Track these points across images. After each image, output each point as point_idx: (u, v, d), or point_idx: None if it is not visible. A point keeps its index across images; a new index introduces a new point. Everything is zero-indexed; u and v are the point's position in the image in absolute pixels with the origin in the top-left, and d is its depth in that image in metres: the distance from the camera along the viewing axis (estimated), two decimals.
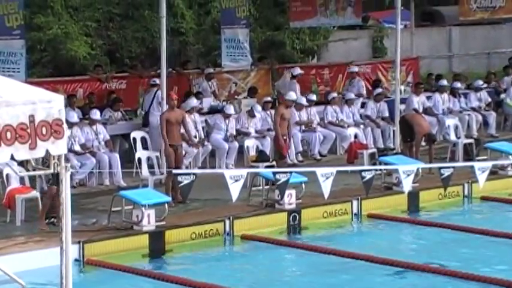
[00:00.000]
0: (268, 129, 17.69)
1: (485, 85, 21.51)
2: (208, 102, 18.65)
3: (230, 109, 17.15)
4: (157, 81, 16.74)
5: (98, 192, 15.17)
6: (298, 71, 20.06)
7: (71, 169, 8.04)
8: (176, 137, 14.62)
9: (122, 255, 12.23)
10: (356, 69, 20.54)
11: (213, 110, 18.13)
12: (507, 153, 16.28)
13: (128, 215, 12.89)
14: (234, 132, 17.09)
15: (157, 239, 12.58)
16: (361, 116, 19.16)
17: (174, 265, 12.30)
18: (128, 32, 21.04)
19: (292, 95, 16.75)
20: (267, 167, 15.34)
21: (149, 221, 12.64)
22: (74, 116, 15.47)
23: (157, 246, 12.55)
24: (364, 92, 20.06)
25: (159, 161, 15.34)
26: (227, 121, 17.06)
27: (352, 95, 19.45)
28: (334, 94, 19.48)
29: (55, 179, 12.42)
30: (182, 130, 14.92)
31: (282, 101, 17.69)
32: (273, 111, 18.07)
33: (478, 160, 16.20)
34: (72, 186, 12.59)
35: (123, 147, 17.05)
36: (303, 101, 17.91)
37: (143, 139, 16.22)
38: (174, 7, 20.87)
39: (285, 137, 16.18)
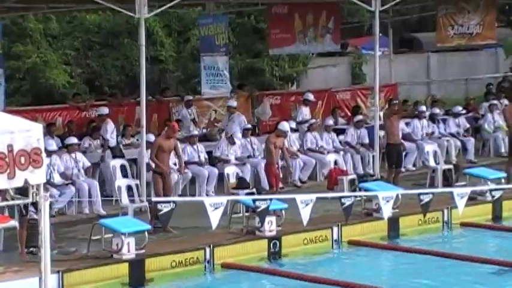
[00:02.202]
0: (249, 156, 17.73)
1: (464, 111, 21.66)
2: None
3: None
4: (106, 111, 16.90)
5: (78, 221, 15.10)
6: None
7: (50, 198, 8.01)
8: (166, 164, 14.63)
9: (101, 284, 12.15)
10: (311, 97, 20.45)
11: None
12: (486, 179, 16.34)
13: (108, 243, 12.82)
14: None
15: (137, 267, 12.51)
16: (340, 142, 19.22)
17: None
18: (107, 60, 21.07)
19: (285, 126, 16.55)
20: (247, 194, 15.33)
21: (129, 249, 12.58)
22: (53, 145, 15.42)
23: (137, 275, 12.47)
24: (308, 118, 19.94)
25: (139, 189, 15.30)
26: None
27: (331, 122, 19.50)
28: (313, 120, 19.54)
29: (27, 209, 12.38)
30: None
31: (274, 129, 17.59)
32: (253, 138, 18.14)
33: (457, 186, 16.25)
34: (52, 215, 12.54)
35: (102, 176, 16.98)
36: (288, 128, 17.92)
37: (123, 167, 16.18)
38: (153, 35, 20.94)
39: (277, 166, 16.22)
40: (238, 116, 18.69)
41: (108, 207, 15.48)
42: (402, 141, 18.03)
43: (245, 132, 18.09)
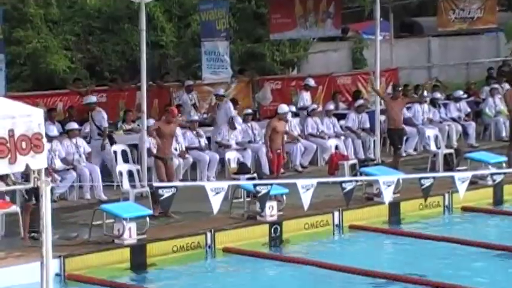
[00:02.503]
0: (249, 141, 17.73)
1: (465, 95, 21.64)
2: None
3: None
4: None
5: (79, 206, 15.12)
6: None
7: (51, 183, 8.01)
8: (167, 150, 14.63)
9: (103, 269, 12.18)
10: (312, 82, 20.43)
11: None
12: (487, 163, 16.36)
13: (109, 228, 12.84)
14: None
15: (138, 252, 12.54)
16: (341, 127, 19.21)
17: (155, 278, 12.27)
18: (107, 45, 21.00)
19: (283, 108, 16.61)
20: (248, 179, 15.34)
21: (130, 234, 12.60)
22: (54, 130, 15.42)
23: (138, 260, 12.50)
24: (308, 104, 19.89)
25: (140, 174, 15.31)
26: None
27: (331, 107, 19.49)
28: (315, 106, 19.52)
29: (30, 195, 12.40)
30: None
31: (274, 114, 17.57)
32: (254, 124, 18.13)
33: (458, 170, 16.25)
34: (53, 201, 12.56)
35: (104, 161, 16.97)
36: (289, 113, 17.90)
37: (124, 152, 16.18)
38: (153, 20, 20.86)
39: (279, 151, 16.24)
40: (225, 103, 18.57)
41: (109, 192, 15.50)
42: (403, 126, 18.03)
43: (246, 117, 18.09)
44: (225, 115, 18.27)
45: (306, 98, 20.00)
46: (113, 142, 16.61)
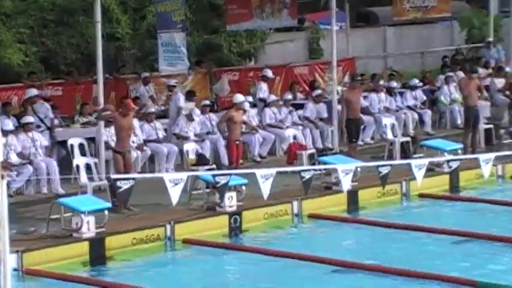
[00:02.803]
0: (208, 133, 17.71)
1: (420, 84, 21.81)
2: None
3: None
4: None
5: (36, 201, 14.99)
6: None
7: (7, 177, 7.94)
8: (125, 143, 14.55)
9: (62, 263, 12.10)
10: (269, 73, 20.45)
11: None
12: (443, 151, 16.52)
13: (67, 222, 12.76)
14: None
15: (97, 245, 12.48)
16: (299, 117, 19.26)
17: (115, 272, 12.20)
18: (62, 38, 20.82)
19: (239, 97, 16.63)
20: (207, 170, 15.33)
21: (89, 227, 12.54)
22: (9, 124, 15.28)
23: (97, 253, 12.44)
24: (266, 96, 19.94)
25: (98, 167, 15.22)
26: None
27: (289, 97, 19.53)
28: (273, 96, 19.54)
29: None
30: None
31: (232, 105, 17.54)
32: (212, 115, 18.12)
33: (415, 158, 16.39)
34: (9, 195, 12.46)
35: (61, 155, 16.87)
36: (246, 103, 17.91)
37: (81, 146, 16.08)
38: (108, 12, 20.71)
39: (237, 142, 16.25)
40: (176, 94, 18.53)
41: (66, 186, 15.39)
42: (361, 115, 18.13)
43: (204, 109, 18.07)
44: (174, 106, 18.26)
45: (264, 88, 20.02)
46: (52, 136, 16.50)
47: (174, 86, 18.79)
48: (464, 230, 13.36)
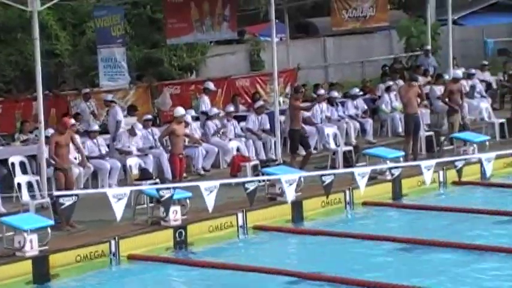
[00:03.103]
0: (150, 147, 17.64)
1: (361, 93, 22.00)
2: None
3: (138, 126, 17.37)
4: None
5: None
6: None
7: None
8: (66, 159, 14.43)
9: (4, 283, 11.93)
10: (211, 86, 20.38)
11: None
12: (385, 158, 16.67)
13: (10, 241, 12.59)
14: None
15: (41, 264, 12.33)
16: (241, 129, 19.29)
17: None
18: (0, 56, 20.62)
19: (179, 111, 16.60)
20: (150, 184, 15.24)
21: (32, 246, 12.39)
22: None
23: (41, 272, 12.29)
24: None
25: (40, 185, 15.06)
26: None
27: (231, 109, 19.55)
28: (215, 109, 19.54)
29: None
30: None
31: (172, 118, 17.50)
32: (154, 129, 18.05)
33: (358, 166, 16.52)
34: None
35: (1, 173, 16.65)
36: (189, 118, 17.87)
37: (22, 164, 15.89)
38: (47, 29, 20.59)
39: (181, 156, 16.21)
40: (113, 108, 18.44)
41: (8, 204, 15.18)
42: (303, 125, 18.21)
43: (146, 123, 17.99)
44: (113, 120, 18.17)
45: (206, 101, 20.01)
46: None
47: (112, 101, 18.68)
48: (408, 236, 13.49)
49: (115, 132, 17.92)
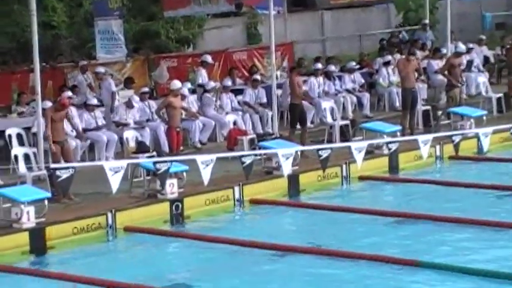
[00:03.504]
0: (147, 120, 17.63)
1: (358, 67, 21.95)
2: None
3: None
4: None
5: None
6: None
7: None
8: (61, 133, 14.44)
9: (2, 254, 11.97)
10: (209, 59, 20.31)
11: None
12: (382, 133, 16.68)
13: (7, 213, 12.62)
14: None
15: (37, 236, 12.36)
16: (239, 102, 19.27)
17: (56, 261, 12.12)
18: None
19: (176, 84, 16.59)
20: (147, 157, 15.26)
21: (29, 218, 12.42)
22: None
23: (38, 244, 12.33)
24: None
25: (37, 157, 15.06)
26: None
27: (229, 83, 19.52)
28: (212, 83, 19.51)
29: None
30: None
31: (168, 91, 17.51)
32: (151, 102, 18.03)
33: (355, 141, 16.52)
34: None
35: None
36: (185, 90, 17.85)
37: (19, 135, 15.88)
38: (44, 0, 20.49)
39: (178, 129, 16.21)
40: (106, 80, 18.41)
41: (5, 176, 15.19)
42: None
43: (143, 96, 17.96)
44: (107, 92, 18.15)
45: (203, 74, 19.98)
46: None
47: (104, 73, 18.62)
48: (404, 210, 13.53)
49: (111, 104, 17.91)
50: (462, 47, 20.48)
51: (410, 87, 18.26)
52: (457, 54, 19.52)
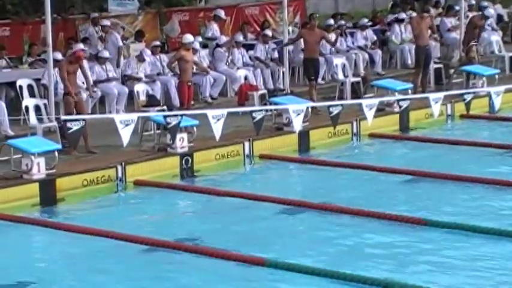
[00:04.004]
0: (158, 74, 17.59)
1: (370, 23, 21.80)
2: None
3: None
4: None
5: None
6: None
7: None
8: (74, 85, 14.42)
9: (11, 205, 12.03)
10: (222, 14, 20.18)
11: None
12: (393, 90, 16.62)
13: (17, 164, 12.67)
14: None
15: (48, 187, 12.41)
16: (250, 57, 19.19)
17: (66, 213, 12.18)
18: None
19: (188, 37, 16.48)
20: (158, 111, 15.24)
21: (39, 169, 12.46)
22: None
23: (48, 195, 12.38)
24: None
25: (47, 108, 15.06)
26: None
27: (241, 38, 19.43)
28: (223, 37, 19.41)
29: None
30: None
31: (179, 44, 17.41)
32: (162, 56, 17.97)
33: (366, 98, 16.47)
34: None
35: (9, 96, 16.66)
36: (197, 45, 17.77)
37: (30, 87, 15.88)
38: None
39: (189, 83, 16.16)
40: (111, 34, 18.25)
41: (16, 127, 15.22)
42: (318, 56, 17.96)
43: (154, 49, 17.90)
44: (113, 46, 18.06)
45: (215, 28, 19.87)
46: None
47: (110, 27, 18.52)
48: (414, 169, 13.51)
49: (117, 58, 17.84)
50: (491, 11, 20.34)
51: (424, 44, 18.14)
52: (484, 17, 19.40)
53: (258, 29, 21.55)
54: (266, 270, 9.60)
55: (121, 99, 16.75)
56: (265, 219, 11.57)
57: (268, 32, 19.65)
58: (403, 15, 21.71)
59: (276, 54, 19.16)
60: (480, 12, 19.99)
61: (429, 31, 18.46)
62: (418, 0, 24.57)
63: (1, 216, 11.62)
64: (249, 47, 19.59)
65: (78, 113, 14.08)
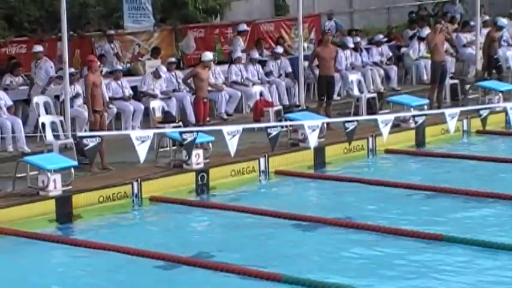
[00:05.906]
0: (174, 90, 17.64)
1: (385, 39, 21.80)
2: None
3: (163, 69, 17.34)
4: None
5: (1, 159, 14.88)
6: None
7: None
8: (100, 101, 14.40)
9: (28, 221, 12.07)
10: (244, 27, 20.29)
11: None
12: (408, 106, 16.59)
13: (34, 181, 12.71)
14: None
15: (64, 203, 12.45)
16: (266, 74, 19.22)
17: (82, 229, 12.19)
18: None
19: (208, 55, 16.47)
20: (173, 127, 15.27)
21: (55, 186, 12.50)
22: None
23: (64, 211, 12.41)
24: None
25: (63, 125, 15.12)
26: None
27: (256, 54, 19.47)
28: (240, 54, 19.45)
29: None
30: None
31: (196, 62, 17.44)
32: (178, 72, 18.02)
33: (381, 114, 16.44)
34: None
35: (26, 113, 16.74)
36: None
37: (46, 104, 15.95)
38: None
39: (205, 100, 16.16)
40: (45, 61, 17.86)
41: (32, 144, 15.29)
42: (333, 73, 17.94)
43: (169, 66, 17.97)
44: (45, 73, 16.94)
45: (241, 44, 19.95)
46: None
47: (42, 52, 17.30)
48: (430, 184, 13.47)
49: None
50: (504, 21, 20.34)
51: (439, 60, 18.12)
52: (499, 29, 19.42)
53: (273, 46, 21.58)
54: (283, 286, 9.57)
55: (137, 115, 16.80)
56: (282, 235, 11.55)
57: (280, 49, 19.68)
58: (424, 33, 21.60)
59: (289, 68, 19.17)
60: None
61: (445, 45, 18.44)
62: (434, 16, 24.56)
63: (18, 233, 11.65)
64: (265, 63, 19.63)
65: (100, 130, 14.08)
